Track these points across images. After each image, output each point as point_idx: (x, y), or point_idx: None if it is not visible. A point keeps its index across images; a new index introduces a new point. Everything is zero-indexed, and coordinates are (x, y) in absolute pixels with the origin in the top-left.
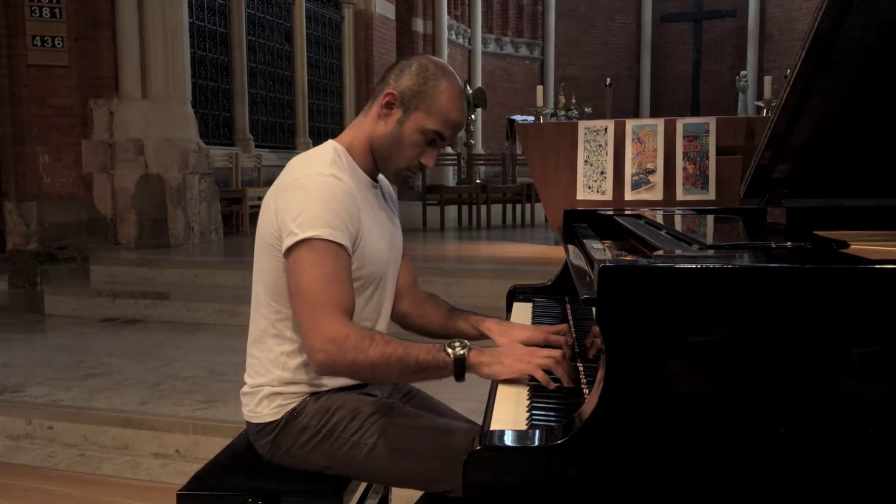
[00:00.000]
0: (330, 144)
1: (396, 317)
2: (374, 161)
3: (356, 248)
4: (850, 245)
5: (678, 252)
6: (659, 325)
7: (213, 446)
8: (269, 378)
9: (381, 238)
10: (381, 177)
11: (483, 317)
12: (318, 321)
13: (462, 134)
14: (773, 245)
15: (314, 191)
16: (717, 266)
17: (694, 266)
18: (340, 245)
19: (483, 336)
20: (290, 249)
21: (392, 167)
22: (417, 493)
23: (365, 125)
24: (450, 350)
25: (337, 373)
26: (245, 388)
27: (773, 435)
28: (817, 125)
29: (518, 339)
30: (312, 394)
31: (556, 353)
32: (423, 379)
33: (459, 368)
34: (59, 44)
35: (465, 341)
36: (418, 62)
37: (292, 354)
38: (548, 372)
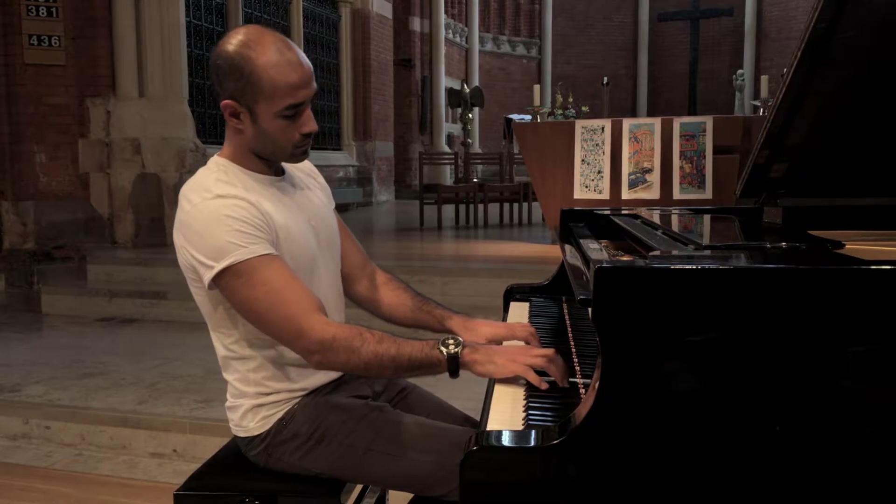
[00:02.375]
0: (212, 161)
1: (358, 302)
2: (265, 159)
3: (278, 249)
4: (845, 245)
5: (674, 252)
6: (655, 325)
7: (211, 446)
8: (247, 396)
9: (303, 227)
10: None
11: (450, 313)
12: (296, 331)
13: (459, 133)
14: (769, 245)
15: (206, 219)
16: (712, 267)
17: (689, 267)
18: (262, 255)
19: (448, 331)
20: (215, 282)
21: (283, 155)
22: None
23: (233, 138)
24: (443, 348)
25: (333, 370)
26: (227, 403)
27: (768, 435)
28: (813, 125)
29: (483, 334)
30: (299, 399)
31: (549, 351)
32: (417, 376)
33: (453, 366)
34: (55, 43)
35: (459, 338)
36: (224, 58)
37: (258, 369)
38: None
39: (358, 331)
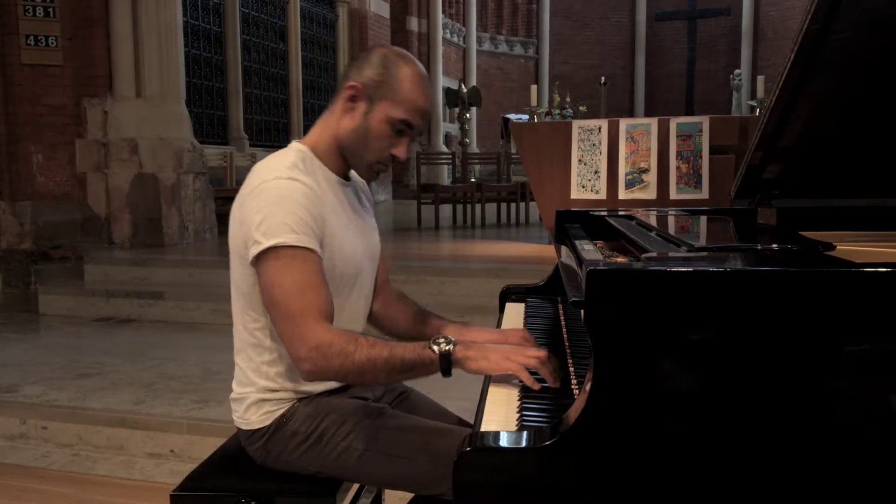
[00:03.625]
0: (293, 146)
1: (368, 317)
2: (344, 158)
3: (324, 249)
4: (836, 247)
5: (668, 254)
6: (646, 327)
7: (208, 446)
8: (254, 387)
9: (354, 236)
10: (353, 174)
11: (446, 322)
12: (298, 331)
13: (457, 132)
14: (760, 247)
15: (272, 197)
16: (703, 269)
17: (680, 269)
18: (308, 249)
19: None
20: (257, 259)
21: (363, 161)
22: (410, 494)
23: (331, 122)
24: (435, 347)
25: (325, 378)
26: (233, 395)
27: (761, 436)
28: (807, 126)
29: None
30: (301, 399)
31: (542, 353)
32: (411, 377)
33: (446, 364)
34: (52, 43)
35: (450, 337)
36: (378, 52)
37: (273, 363)
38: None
39: (353, 336)
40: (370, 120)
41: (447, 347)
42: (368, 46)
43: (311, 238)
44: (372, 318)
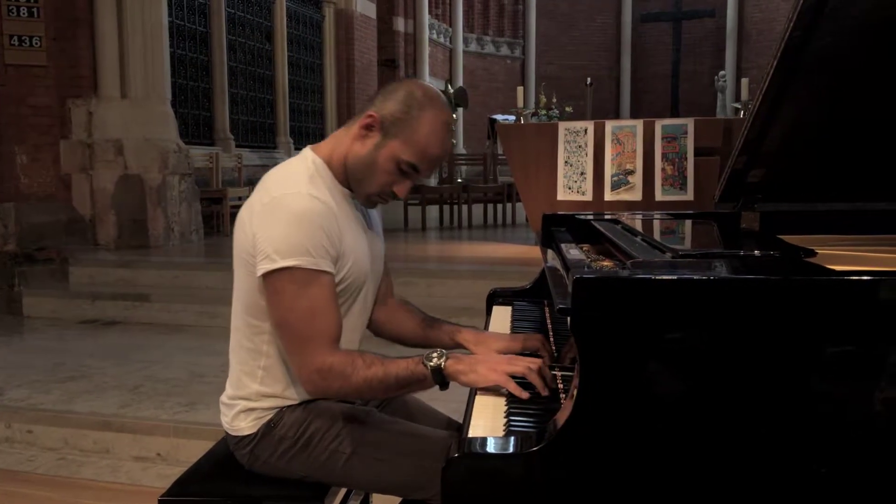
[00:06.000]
0: (309, 156)
1: (369, 325)
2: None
3: (338, 266)
4: (817, 253)
5: (652, 261)
6: (631, 334)
7: (195, 449)
8: (246, 391)
9: (362, 250)
10: None
11: (459, 327)
12: (306, 354)
13: None
14: (743, 254)
15: (292, 215)
16: (688, 277)
17: (666, 277)
18: (324, 272)
19: (459, 346)
20: (269, 275)
21: (363, 191)
22: (398, 498)
23: (345, 141)
24: (427, 363)
25: (328, 397)
26: (224, 398)
27: (746, 440)
28: (790, 130)
29: (494, 349)
30: (288, 405)
31: (532, 362)
32: (409, 392)
33: (439, 378)
34: (36, 43)
35: (442, 350)
36: (406, 88)
37: (269, 368)
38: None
39: (351, 358)
40: (379, 154)
41: (438, 362)
42: (401, 78)
43: (327, 259)
44: (373, 326)
